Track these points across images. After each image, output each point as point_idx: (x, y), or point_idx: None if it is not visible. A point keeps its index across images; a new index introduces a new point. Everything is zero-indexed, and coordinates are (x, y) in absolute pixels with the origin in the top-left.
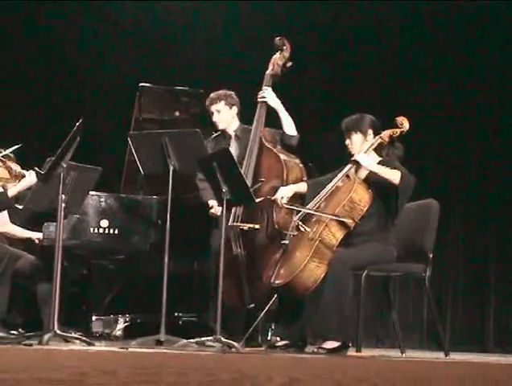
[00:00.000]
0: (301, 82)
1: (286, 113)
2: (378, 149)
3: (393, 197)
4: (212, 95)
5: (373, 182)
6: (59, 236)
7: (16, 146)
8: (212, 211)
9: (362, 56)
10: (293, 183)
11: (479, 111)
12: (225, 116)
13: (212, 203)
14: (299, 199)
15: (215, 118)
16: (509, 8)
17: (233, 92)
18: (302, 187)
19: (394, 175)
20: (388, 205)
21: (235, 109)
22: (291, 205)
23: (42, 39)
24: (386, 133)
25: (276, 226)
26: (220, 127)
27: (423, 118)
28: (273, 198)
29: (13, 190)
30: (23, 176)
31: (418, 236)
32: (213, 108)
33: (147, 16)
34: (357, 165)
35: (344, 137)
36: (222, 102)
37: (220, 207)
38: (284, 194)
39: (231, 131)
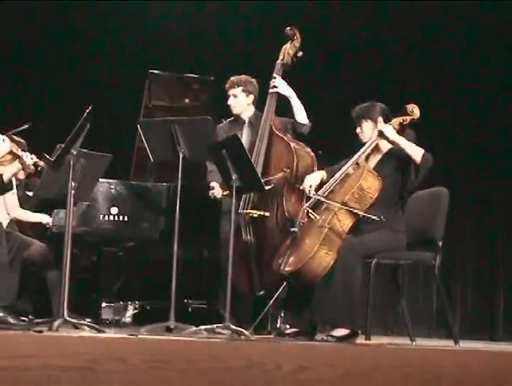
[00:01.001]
0: (313, 69)
1: (298, 101)
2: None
3: (410, 174)
4: (232, 78)
5: (383, 168)
6: (68, 222)
7: (24, 126)
8: (212, 192)
9: (374, 43)
10: (303, 172)
11: (489, 98)
12: (241, 102)
13: (214, 184)
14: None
15: (230, 102)
16: None
17: (254, 80)
18: (325, 175)
19: (416, 151)
20: (398, 191)
21: (251, 98)
22: (317, 194)
23: (53, 26)
24: (395, 121)
25: (286, 213)
26: (234, 112)
27: (433, 105)
28: (301, 187)
29: (7, 174)
30: (19, 157)
31: (427, 224)
32: (231, 91)
33: (157, 4)
34: (382, 136)
35: (354, 126)
36: (240, 88)
37: (221, 190)
38: (312, 182)
39: (245, 117)
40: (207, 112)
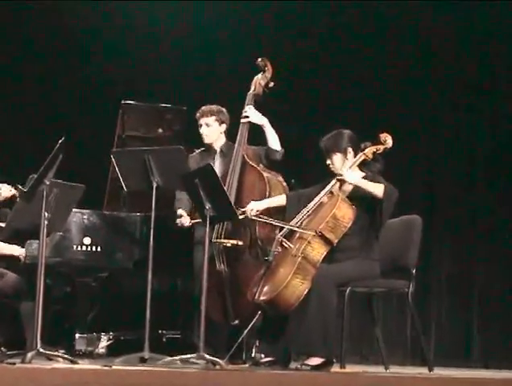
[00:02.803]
0: (287, 94)
1: (271, 128)
2: (361, 165)
3: (377, 211)
4: (204, 108)
5: (358, 196)
6: (41, 253)
7: None
8: (179, 220)
9: (347, 69)
10: None
11: (462, 127)
12: (213, 131)
13: (181, 212)
14: (280, 213)
15: (202, 131)
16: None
17: (224, 109)
18: (280, 201)
19: (377, 189)
20: (372, 219)
21: (224, 127)
22: (259, 217)
23: (25, 53)
24: (369, 150)
25: (259, 242)
26: (206, 141)
27: (407, 133)
28: (243, 209)
29: None
30: None
31: (401, 252)
32: (203, 120)
33: (131, 33)
34: (342, 181)
35: (325, 156)
36: (213, 117)
37: (189, 218)
38: (254, 206)
39: (217, 147)
40: (180, 141)
